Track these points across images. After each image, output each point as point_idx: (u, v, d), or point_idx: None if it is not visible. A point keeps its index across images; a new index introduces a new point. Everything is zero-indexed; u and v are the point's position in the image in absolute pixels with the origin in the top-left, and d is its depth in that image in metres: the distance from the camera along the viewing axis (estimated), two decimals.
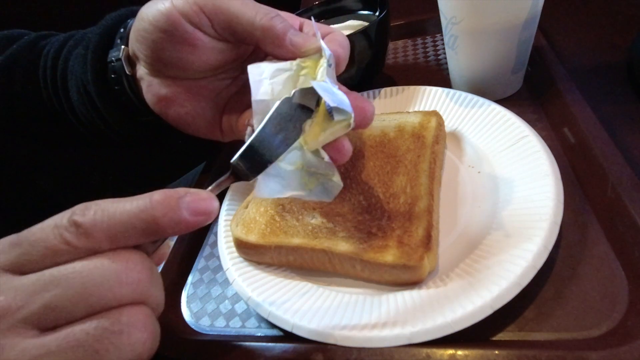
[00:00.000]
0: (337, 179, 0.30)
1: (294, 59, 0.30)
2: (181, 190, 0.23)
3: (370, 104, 0.30)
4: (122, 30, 0.38)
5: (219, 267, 0.40)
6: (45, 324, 0.19)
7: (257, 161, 0.27)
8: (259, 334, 0.34)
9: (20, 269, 0.20)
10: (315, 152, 0.30)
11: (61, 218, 0.21)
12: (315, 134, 0.29)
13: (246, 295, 0.34)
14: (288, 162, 0.30)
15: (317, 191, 0.31)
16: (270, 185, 0.29)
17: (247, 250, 0.36)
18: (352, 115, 0.28)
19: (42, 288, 0.19)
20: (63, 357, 0.19)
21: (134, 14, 0.37)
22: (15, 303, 0.19)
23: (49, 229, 0.21)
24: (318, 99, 0.29)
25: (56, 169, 0.53)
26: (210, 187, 0.26)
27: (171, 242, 0.27)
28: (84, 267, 0.20)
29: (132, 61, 0.37)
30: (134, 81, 0.37)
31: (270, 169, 0.28)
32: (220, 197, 0.43)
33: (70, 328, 0.19)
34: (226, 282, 0.39)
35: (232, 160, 0.27)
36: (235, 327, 0.35)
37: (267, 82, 0.29)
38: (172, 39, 0.32)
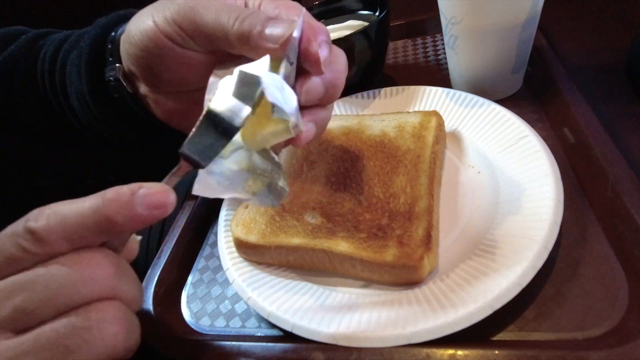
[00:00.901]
0: (283, 183, 0.29)
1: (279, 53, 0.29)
2: (134, 186, 0.22)
3: (320, 128, 0.30)
4: (109, 46, 0.37)
5: (219, 267, 0.40)
6: (17, 327, 0.20)
7: (206, 148, 0.26)
8: (259, 334, 0.34)
9: None
10: (263, 153, 0.29)
11: (17, 226, 0.21)
12: (252, 130, 0.28)
13: (246, 295, 0.34)
14: (233, 160, 0.28)
15: (262, 196, 0.29)
16: (211, 184, 0.27)
17: (247, 250, 0.36)
18: (291, 120, 0.27)
19: (9, 294, 0.20)
20: (36, 356, 0.19)
21: (122, 20, 0.37)
22: None
23: (6, 238, 0.21)
24: (261, 91, 0.26)
25: (55, 169, 0.53)
26: (165, 179, 0.25)
27: (138, 237, 0.27)
28: (46, 271, 0.20)
29: (130, 77, 0.36)
30: (137, 96, 0.37)
31: (214, 166, 0.27)
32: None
33: (41, 328, 0.20)
34: (226, 282, 0.39)
35: (180, 149, 0.26)
36: (235, 327, 0.35)
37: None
38: (163, 61, 0.32)
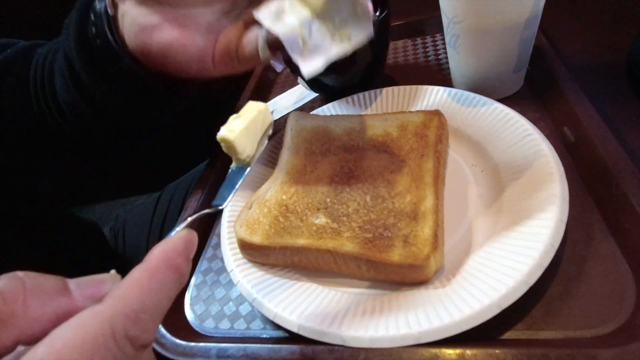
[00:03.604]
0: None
1: None
2: (177, 249, 0.21)
3: None
4: None
5: (222, 269, 0.40)
6: None
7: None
8: (264, 336, 0.34)
9: None
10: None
11: (122, 351, 0.17)
12: None
13: (251, 297, 0.33)
14: (316, 31, 0.33)
15: (355, 30, 0.32)
16: (313, 59, 0.32)
17: (251, 251, 0.36)
18: None
19: None
20: None
21: None
22: None
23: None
24: None
25: (54, 174, 0.52)
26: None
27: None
28: None
29: (115, 3, 0.35)
30: (114, 24, 0.36)
31: (304, 49, 0.32)
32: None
33: None
34: (230, 284, 0.39)
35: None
36: (240, 329, 0.35)
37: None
38: None
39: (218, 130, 0.33)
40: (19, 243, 0.51)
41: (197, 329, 0.36)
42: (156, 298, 0.19)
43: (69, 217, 0.65)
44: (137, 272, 0.19)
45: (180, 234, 0.21)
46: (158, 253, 0.20)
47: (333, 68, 0.49)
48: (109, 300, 0.18)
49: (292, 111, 0.55)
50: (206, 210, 0.28)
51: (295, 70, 0.54)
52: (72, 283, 0.19)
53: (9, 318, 0.16)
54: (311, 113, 0.50)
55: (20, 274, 0.18)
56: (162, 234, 0.66)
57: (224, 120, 0.35)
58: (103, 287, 0.19)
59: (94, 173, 0.51)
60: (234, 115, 0.33)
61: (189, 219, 0.27)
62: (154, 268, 0.19)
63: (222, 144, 0.31)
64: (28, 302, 0.17)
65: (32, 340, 0.17)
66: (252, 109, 0.33)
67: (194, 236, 0.22)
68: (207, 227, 0.45)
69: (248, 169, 0.32)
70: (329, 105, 0.51)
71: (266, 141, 0.33)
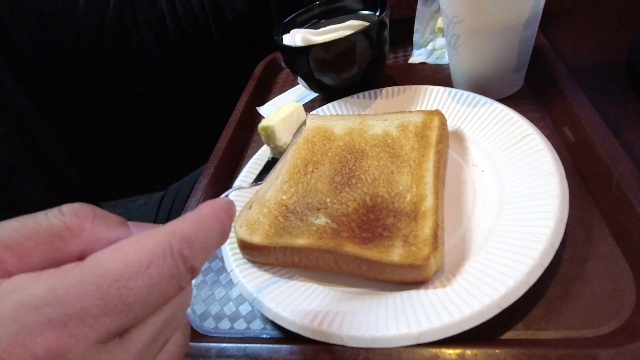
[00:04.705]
0: None
1: None
2: (223, 204, 0.23)
3: None
4: None
5: (222, 269, 0.40)
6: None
7: None
8: (264, 336, 0.34)
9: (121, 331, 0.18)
10: None
11: (169, 262, 0.19)
12: None
13: (251, 297, 0.34)
14: None
15: None
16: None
17: (251, 251, 0.36)
18: None
19: (156, 336, 0.19)
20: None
21: None
22: None
23: (163, 282, 0.18)
24: None
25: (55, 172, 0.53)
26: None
27: None
28: (184, 300, 0.21)
29: None
30: None
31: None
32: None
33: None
34: (230, 284, 0.39)
35: None
36: (240, 329, 0.35)
37: None
38: None
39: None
40: None
41: (197, 329, 0.36)
42: (206, 235, 0.20)
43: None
44: (189, 214, 0.21)
45: (224, 199, 0.23)
46: (207, 205, 0.22)
47: (333, 68, 0.50)
48: (166, 226, 0.20)
49: None
50: (246, 186, 0.31)
51: (295, 70, 0.54)
52: (130, 223, 0.21)
53: (79, 231, 0.18)
54: (311, 113, 0.50)
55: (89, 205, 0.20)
56: None
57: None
58: None
59: (95, 172, 0.51)
60: (273, 111, 0.36)
61: (229, 191, 0.29)
62: (203, 215, 0.21)
63: (262, 134, 0.34)
64: (95, 224, 0.19)
65: None
66: (289, 106, 0.37)
67: (234, 205, 0.24)
68: None
69: (284, 155, 0.35)
70: (329, 105, 0.51)
71: (300, 135, 0.36)
